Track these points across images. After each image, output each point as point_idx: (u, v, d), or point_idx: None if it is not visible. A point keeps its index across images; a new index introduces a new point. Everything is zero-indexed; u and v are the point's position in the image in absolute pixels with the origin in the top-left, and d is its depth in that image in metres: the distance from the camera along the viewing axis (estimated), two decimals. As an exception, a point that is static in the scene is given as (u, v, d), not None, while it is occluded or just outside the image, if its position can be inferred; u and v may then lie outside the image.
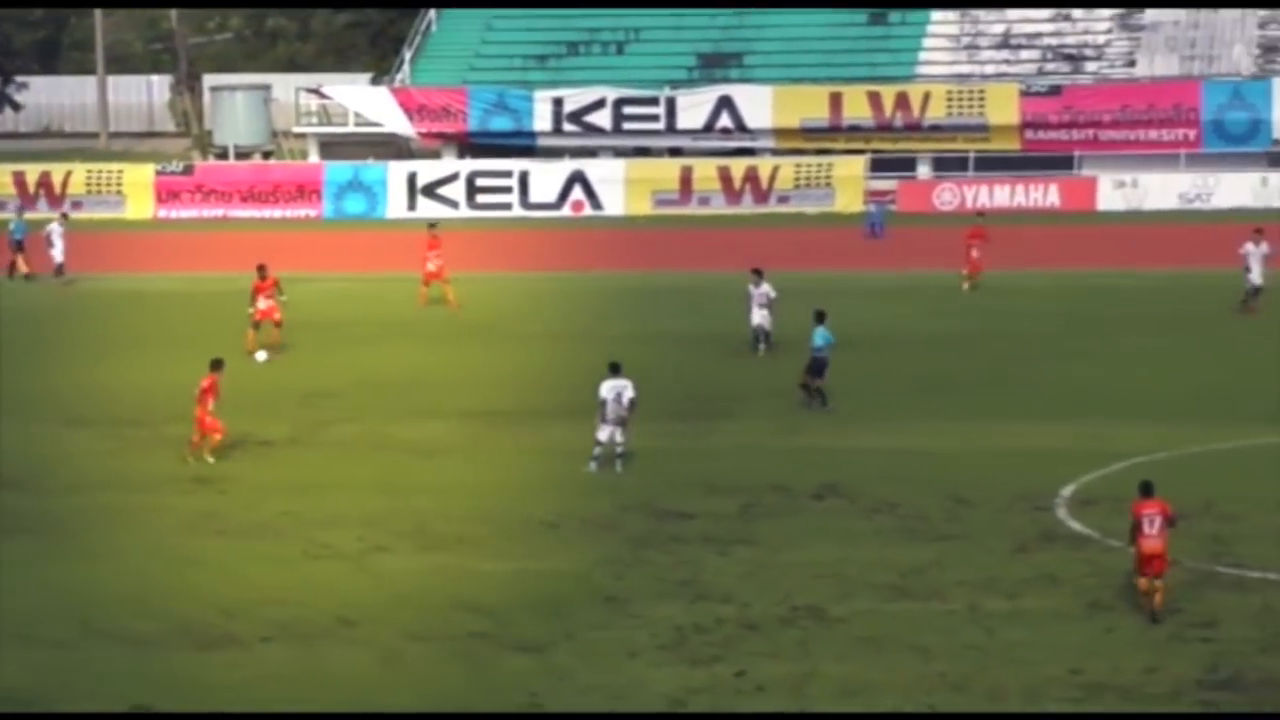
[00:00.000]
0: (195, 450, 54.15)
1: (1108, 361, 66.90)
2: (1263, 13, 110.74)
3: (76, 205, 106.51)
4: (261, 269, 70.57)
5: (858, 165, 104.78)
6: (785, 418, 58.92)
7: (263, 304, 69.64)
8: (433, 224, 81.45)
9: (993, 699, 36.44)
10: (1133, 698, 36.42)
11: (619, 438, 52.24)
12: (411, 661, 38.98)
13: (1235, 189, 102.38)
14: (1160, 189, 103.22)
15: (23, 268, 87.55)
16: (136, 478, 54.06)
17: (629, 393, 52.02)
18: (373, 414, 60.67)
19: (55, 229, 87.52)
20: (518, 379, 65.47)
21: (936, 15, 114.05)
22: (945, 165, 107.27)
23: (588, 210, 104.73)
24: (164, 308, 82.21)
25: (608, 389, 51.96)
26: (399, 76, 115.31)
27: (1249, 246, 72.47)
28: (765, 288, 67.24)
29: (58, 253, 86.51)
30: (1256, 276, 72.24)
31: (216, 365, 55.03)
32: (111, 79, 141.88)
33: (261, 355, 60.67)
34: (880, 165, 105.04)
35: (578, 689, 37.35)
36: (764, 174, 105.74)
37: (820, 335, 59.80)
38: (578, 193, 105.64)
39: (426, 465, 54.57)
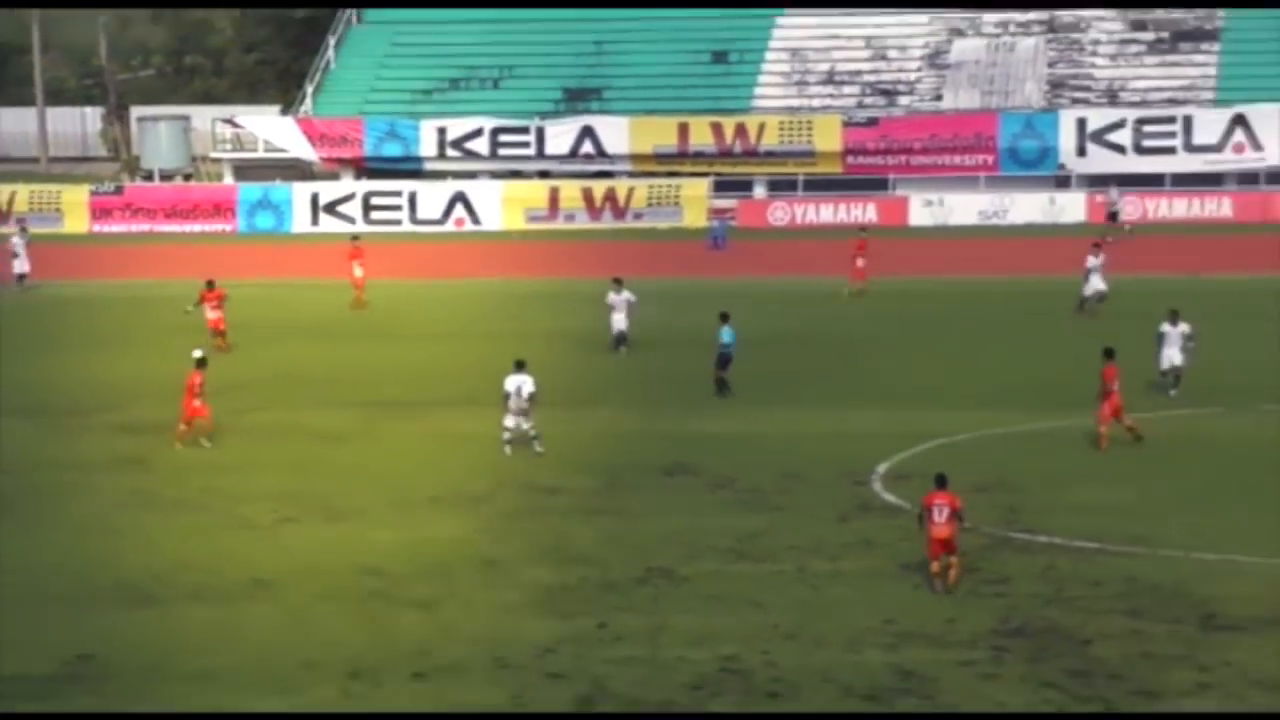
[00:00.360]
0: (184, 437, 54.72)
1: (923, 357, 67.60)
2: (1052, 53, 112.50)
3: (20, 222, 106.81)
4: (210, 282, 70.64)
5: (702, 186, 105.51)
6: (642, 406, 59.63)
7: (210, 314, 69.69)
8: (355, 236, 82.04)
9: (818, 645, 37.02)
10: (938, 644, 37.16)
11: (525, 424, 52.60)
12: (317, 618, 39.33)
13: (1027, 207, 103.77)
14: (963, 207, 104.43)
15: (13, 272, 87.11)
16: (71, 459, 54.10)
17: (528, 387, 52.43)
18: (284, 404, 61.24)
19: (18, 241, 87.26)
20: (410, 373, 66.06)
21: (770, 55, 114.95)
22: (778, 186, 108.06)
23: (468, 225, 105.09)
24: (99, 311, 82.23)
25: (511, 383, 52.60)
26: (303, 108, 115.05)
27: (1090, 260, 73.89)
28: (625, 294, 67.53)
29: (20, 263, 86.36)
30: (1099, 283, 73.42)
31: (201, 363, 55.55)
32: (50, 110, 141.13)
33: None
34: (722, 186, 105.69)
35: (462, 639, 37.86)
36: (621, 194, 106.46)
37: (726, 333, 60.73)
38: (459, 210, 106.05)
39: (331, 448, 55.00)
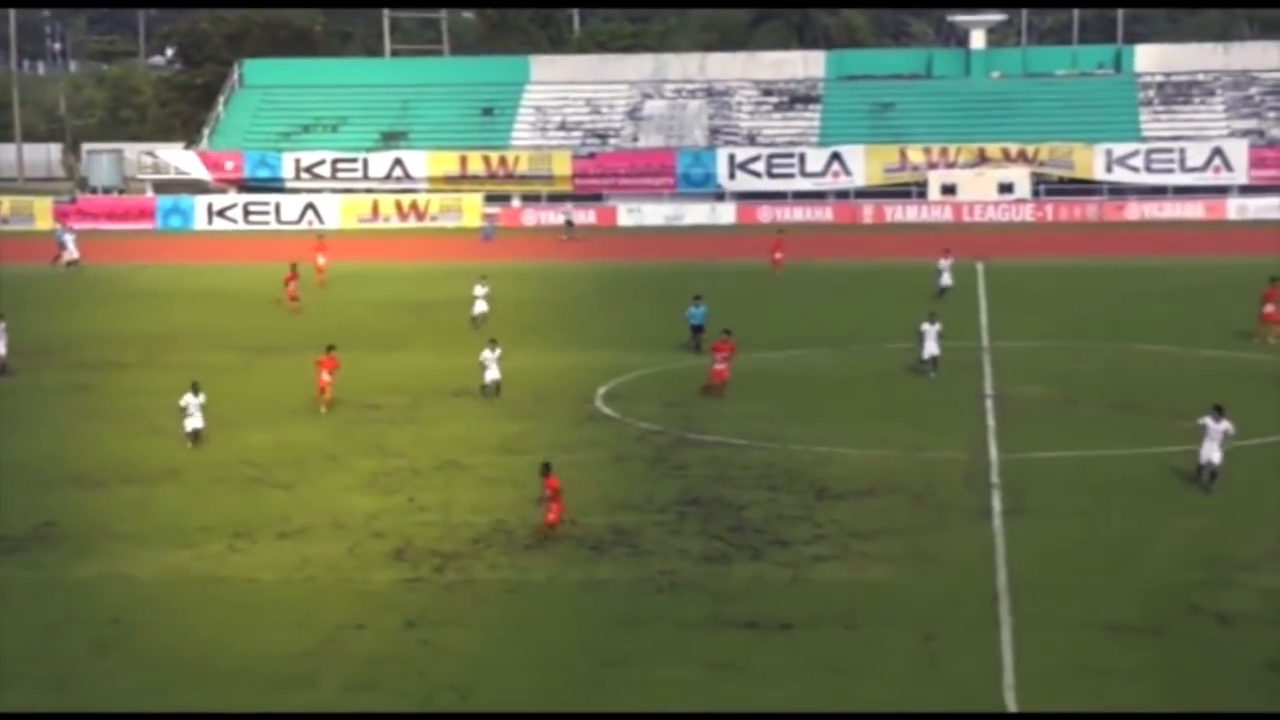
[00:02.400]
0: (330, 404, 48.04)
1: (625, 315, 66.96)
2: (711, 110, 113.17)
3: (4, 221, 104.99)
4: (293, 266, 67.86)
5: (476, 199, 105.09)
6: (436, 350, 58.66)
7: (290, 287, 66.87)
8: (320, 234, 79.42)
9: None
10: (639, 510, 37.12)
11: None
12: (212, 495, 38.94)
13: (696, 213, 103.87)
14: (653, 213, 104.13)
15: (63, 259, 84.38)
16: (37, 386, 53.60)
17: None
18: (188, 349, 59.94)
19: (68, 236, 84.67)
20: (278, 328, 64.54)
21: (522, 111, 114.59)
22: (529, 199, 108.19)
23: (318, 224, 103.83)
24: (60, 284, 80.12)
25: None
26: (201, 144, 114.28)
27: (941, 261, 68.33)
28: (486, 289, 63.91)
29: (69, 252, 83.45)
30: (946, 279, 67.71)
31: (330, 349, 48.90)
32: (25, 145, 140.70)
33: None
34: (490, 199, 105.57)
35: (312, 510, 37.55)
36: (422, 204, 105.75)
37: (696, 313, 56.74)
38: (310, 214, 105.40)
39: (219, 377, 53.44)
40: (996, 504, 37.41)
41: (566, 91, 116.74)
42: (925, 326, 51.86)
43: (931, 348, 51.55)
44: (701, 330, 56.23)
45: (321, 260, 74.92)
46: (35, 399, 51.50)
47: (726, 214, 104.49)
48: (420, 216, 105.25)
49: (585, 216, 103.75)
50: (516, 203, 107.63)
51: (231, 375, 54.88)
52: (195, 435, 43.91)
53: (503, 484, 39.88)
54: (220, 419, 47.46)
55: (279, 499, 38.90)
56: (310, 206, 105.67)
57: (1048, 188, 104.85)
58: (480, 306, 63.79)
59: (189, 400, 44.09)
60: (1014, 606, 30.68)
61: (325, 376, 47.58)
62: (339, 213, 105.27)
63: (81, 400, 51.27)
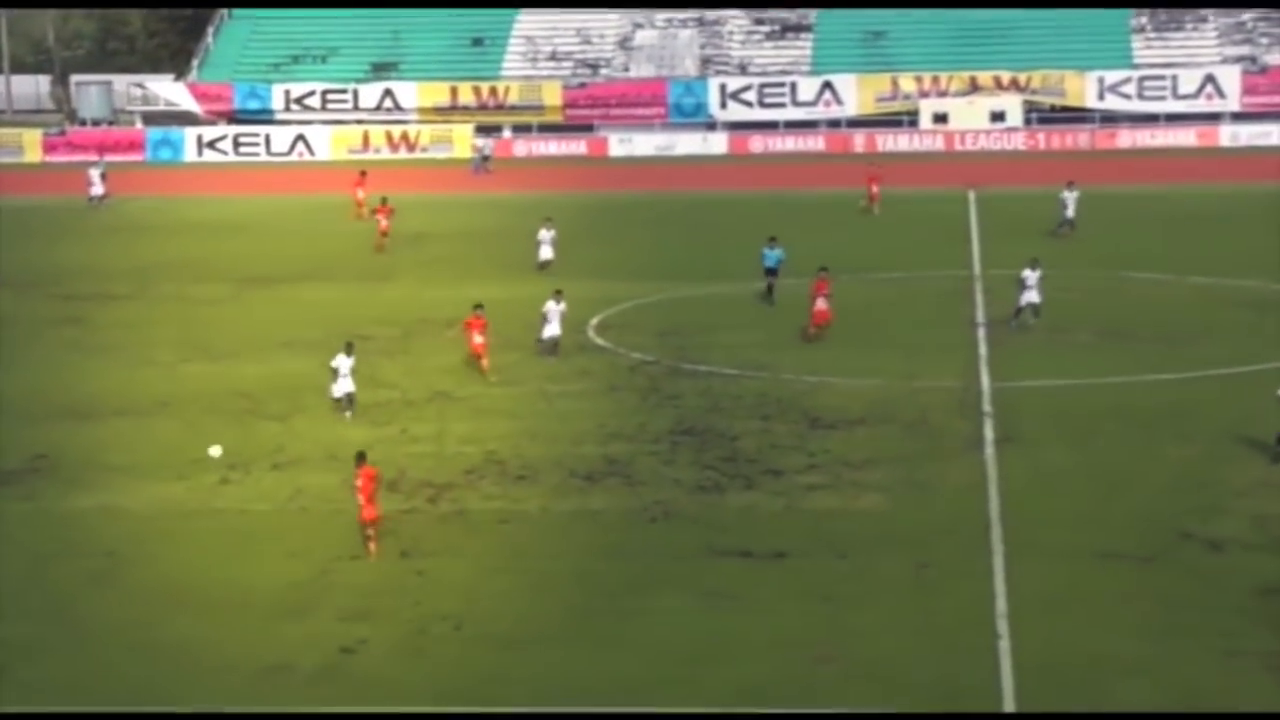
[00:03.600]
0: (487, 370, 43.64)
1: (623, 245, 66.20)
2: (702, 39, 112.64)
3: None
4: (384, 198, 65.92)
5: (467, 130, 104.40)
6: (435, 282, 58.01)
7: (383, 222, 64.79)
8: (363, 171, 78.19)
9: (552, 442, 36.99)
10: (633, 440, 37.20)
11: None
12: (205, 427, 38.78)
13: (688, 143, 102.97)
14: (645, 143, 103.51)
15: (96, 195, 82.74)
16: (32, 319, 53.25)
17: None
18: (179, 280, 59.66)
19: (94, 172, 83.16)
20: (266, 258, 64.21)
21: (513, 41, 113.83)
22: (520, 129, 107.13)
23: (307, 156, 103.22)
24: (52, 216, 79.40)
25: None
26: (190, 76, 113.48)
27: (1065, 193, 65.06)
28: (552, 232, 59.55)
29: (96, 188, 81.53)
30: (1070, 212, 64.35)
31: (479, 307, 44.32)
32: (14, 77, 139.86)
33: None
34: (481, 130, 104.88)
35: (306, 441, 37.67)
36: (413, 135, 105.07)
37: (771, 255, 52.92)
38: (301, 146, 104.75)
39: (209, 309, 54.07)
40: (989, 432, 37.51)
41: (557, 21, 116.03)
42: (1027, 272, 48.19)
43: (1032, 295, 47.87)
44: (775, 273, 52.61)
45: (361, 194, 74.42)
46: (26, 331, 51.41)
47: (718, 144, 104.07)
48: (411, 148, 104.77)
49: (575, 146, 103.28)
50: (507, 133, 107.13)
51: (222, 307, 54.72)
52: (349, 399, 39.83)
53: (495, 415, 39.89)
54: (211, 350, 47.65)
55: (272, 430, 38.90)
56: (300, 138, 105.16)
57: (1039, 116, 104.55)
58: (546, 253, 59.29)
59: (340, 361, 40.00)
60: (1006, 534, 30.81)
61: (477, 338, 43.37)
62: (329, 144, 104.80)
63: (73, 332, 51.14)
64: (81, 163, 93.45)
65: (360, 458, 30.89)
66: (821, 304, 46.99)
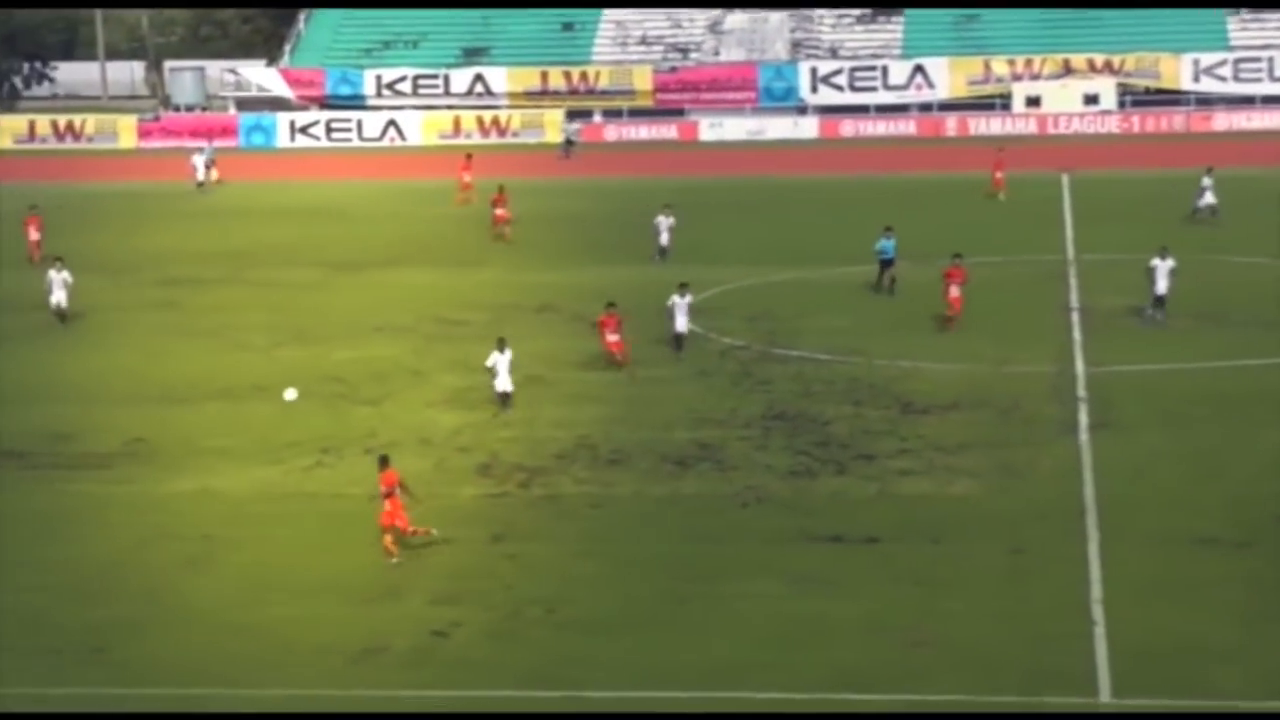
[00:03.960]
0: (626, 362, 42.69)
1: (708, 229, 64.48)
2: (792, 23, 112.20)
3: (89, 139, 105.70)
4: (501, 187, 65.29)
5: (558, 115, 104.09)
6: (526, 267, 58.15)
7: (499, 211, 63.76)
8: (469, 154, 78.56)
9: (643, 427, 37.06)
10: (724, 426, 37.17)
11: None
12: (299, 411, 38.50)
13: (778, 128, 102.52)
14: (735, 128, 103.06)
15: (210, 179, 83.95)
16: (127, 305, 53.22)
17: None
18: (271, 265, 59.63)
19: (198, 159, 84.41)
20: (355, 244, 64.03)
21: (603, 26, 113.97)
22: (610, 114, 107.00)
23: (399, 141, 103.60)
24: (145, 201, 79.29)
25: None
26: (283, 62, 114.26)
27: (1205, 179, 63.66)
28: (671, 218, 58.58)
29: (199, 174, 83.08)
30: (1209, 198, 63.10)
31: (610, 306, 43.21)
32: (109, 64, 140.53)
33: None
34: (571, 115, 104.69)
35: (398, 426, 37.72)
36: (504, 120, 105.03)
37: (889, 246, 51.39)
38: (392, 131, 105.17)
39: (302, 294, 54.17)
40: (1083, 418, 37.26)
41: (647, 5, 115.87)
42: (1156, 261, 46.32)
43: (1163, 285, 45.98)
44: (892, 264, 51.13)
45: (467, 178, 74.46)
46: (122, 317, 51.75)
47: (809, 128, 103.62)
48: (502, 132, 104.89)
49: (667, 131, 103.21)
50: (598, 118, 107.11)
51: (315, 292, 54.96)
52: (505, 398, 39.04)
53: (586, 400, 39.98)
54: (304, 335, 47.86)
55: (365, 415, 39.08)
56: (392, 123, 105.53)
57: (1133, 98, 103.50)
58: (664, 239, 58.23)
59: (495, 359, 39.02)
60: (1101, 520, 30.61)
61: (611, 337, 42.42)
62: (420, 129, 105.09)
63: (167, 317, 51.50)
64: (177, 149, 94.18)
65: (383, 461, 30.50)
66: (955, 291, 46.31)
